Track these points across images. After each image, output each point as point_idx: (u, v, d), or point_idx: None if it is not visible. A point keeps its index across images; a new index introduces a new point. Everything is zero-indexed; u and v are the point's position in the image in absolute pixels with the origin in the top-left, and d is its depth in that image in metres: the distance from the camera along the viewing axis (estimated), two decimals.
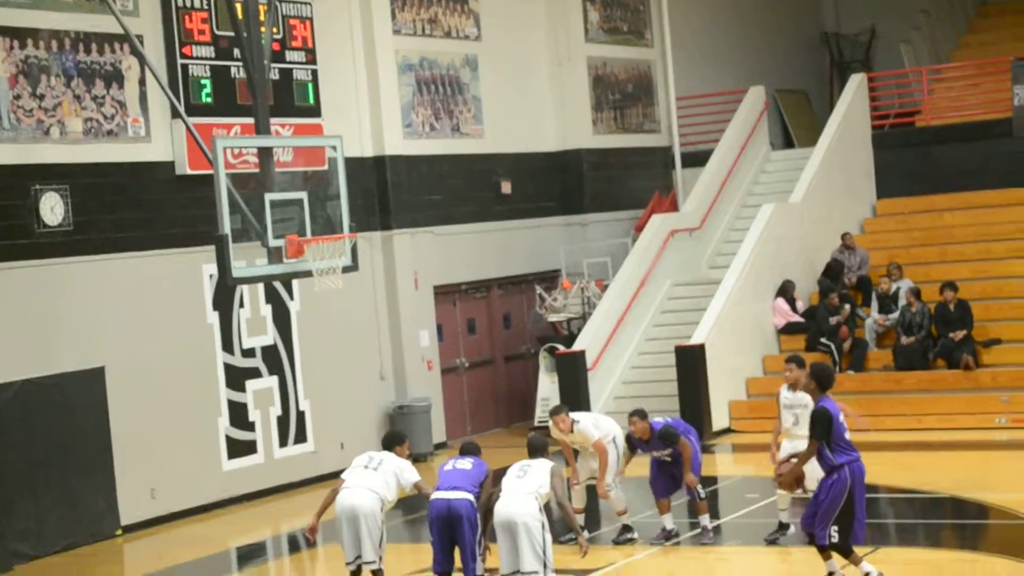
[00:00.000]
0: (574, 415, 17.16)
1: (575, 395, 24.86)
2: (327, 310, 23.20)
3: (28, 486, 19.19)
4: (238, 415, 22.12)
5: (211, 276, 21.35)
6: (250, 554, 19.54)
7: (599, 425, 17.18)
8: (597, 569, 15.95)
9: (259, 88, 18.17)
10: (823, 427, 13.72)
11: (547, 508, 14.04)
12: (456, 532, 14.05)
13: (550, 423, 17.27)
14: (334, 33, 24.14)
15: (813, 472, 15.03)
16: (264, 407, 22.54)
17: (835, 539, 13.76)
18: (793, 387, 16.45)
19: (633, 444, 17.03)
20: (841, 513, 13.70)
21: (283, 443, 22.70)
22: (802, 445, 15.65)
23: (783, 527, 16.57)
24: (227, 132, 21.28)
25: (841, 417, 13.79)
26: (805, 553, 16.44)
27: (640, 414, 16.92)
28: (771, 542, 16.63)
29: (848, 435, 13.81)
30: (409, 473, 14.71)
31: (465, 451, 14.84)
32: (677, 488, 16.98)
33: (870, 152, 29.60)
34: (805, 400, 15.65)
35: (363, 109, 24.76)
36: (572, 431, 16.97)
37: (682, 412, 24.12)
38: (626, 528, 17.30)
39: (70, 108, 20.21)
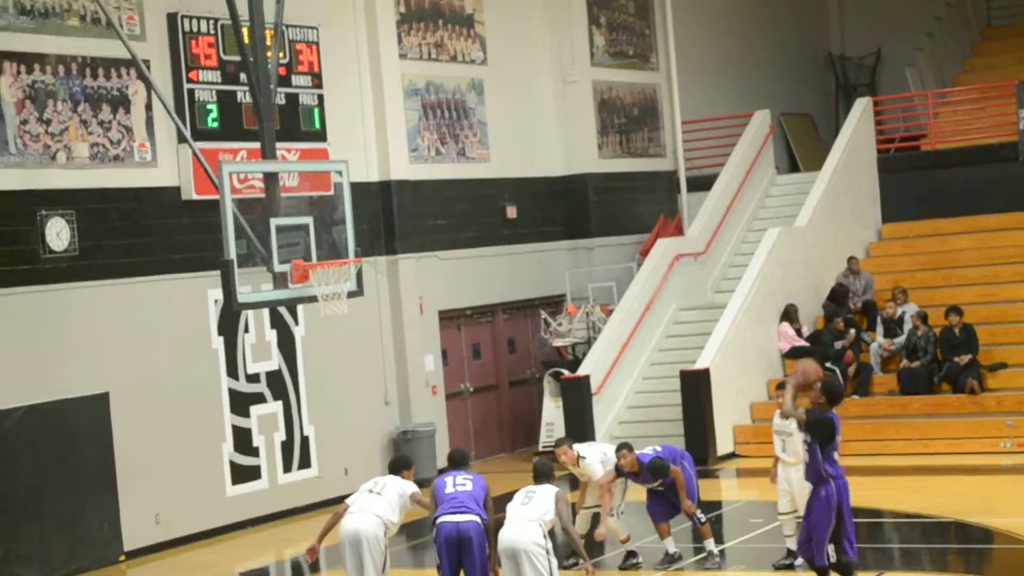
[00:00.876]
0: (581, 448, 17.06)
1: (580, 420, 24.90)
2: (332, 335, 23.22)
3: (32, 511, 19.20)
4: (242, 440, 22.13)
5: (216, 301, 21.39)
6: None
7: (607, 459, 17.07)
8: None
9: (265, 113, 18.21)
10: (825, 432, 13.91)
11: (552, 533, 14.04)
12: (465, 555, 14.03)
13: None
14: (340, 58, 24.20)
15: (803, 491, 15.10)
16: (268, 432, 22.54)
17: (833, 559, 13.78)
18: (784, 414, 16.36)
19: (623, 476, 17.02)
20: (833, 532, 13.76)
21: (287, 468, 22.69)
22: (792, 471, 15.95)
23: (792, 554, 16.49)
24: (233, 157, 21.31)
25: (839, 438, 13.90)
26: None
27: (628, 447, 16.89)
28: (779, 568, 16.57)
29: (838, 455, 14.00)
30: (408, 487, 14.70)
31: (456, 461, 14.84)
32: (676, 513, 16.98)
33: (875, 176, 29.61)
34: (791, 428, 15.76)
35: (369, 134, 24.80)
36: (578, 464, 16.94)
37: (686, 436, 24.18)
38: (631, 554, 17.30)
39: (76, 133, 20.27)
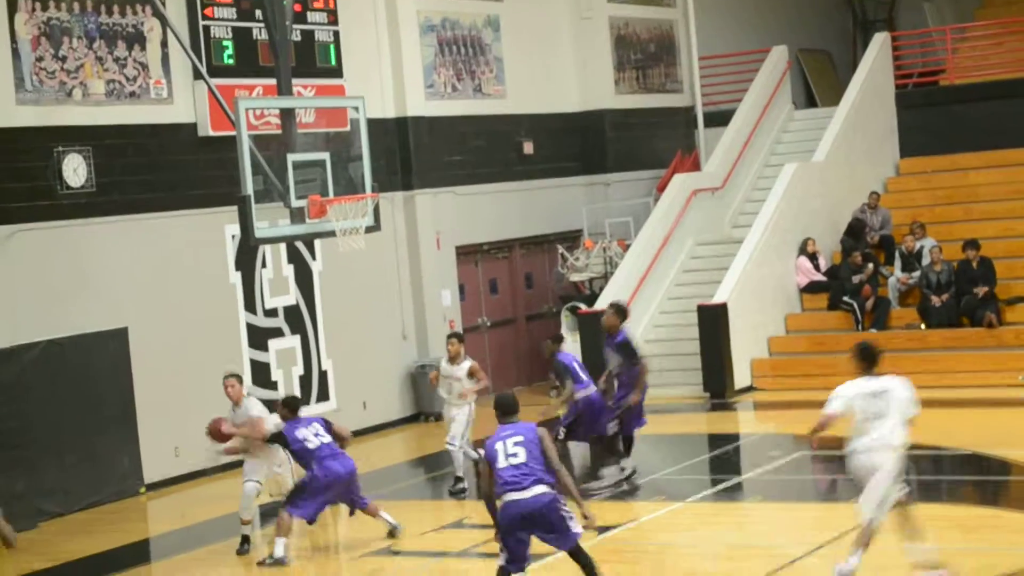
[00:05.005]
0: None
1: (597, 354, 24.92)
2: (349, 270, 23.27)
3: (53, 445, 19.33)
4: (260, 374, 22.22)
5: (234, 237, 21.43)
6: (273, 511, 19.56)
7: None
8: (620, 525, 16.02)
9: (281, 49, 18.19)
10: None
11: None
12: (541, 529, 12.22)
13: None
14: None
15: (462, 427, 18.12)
16: (287, 366, 22.64)
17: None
18: (452, 360, 18.23)
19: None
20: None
21: (306, 402, 22.72)
22: (455, 410, 18.25)
23: (460, 479, 18.23)
24: (249, 93, 21.29)
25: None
26: (824, 509, 16.58)
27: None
28: (455, 493, 18.09)
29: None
30: None
31: (504, 411, 12.61)
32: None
33: (893, 111, 29.50)
34: (460, 373, 18.09)
35: (385, 70, 24.76)
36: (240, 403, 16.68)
37: (704, 370, 24.28)
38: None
39: (92, 70, 20.25)
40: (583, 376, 18.37)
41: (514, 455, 12.09)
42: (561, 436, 17.89)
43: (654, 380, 24.94)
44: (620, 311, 18.28)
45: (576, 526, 12.18)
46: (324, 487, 15.58)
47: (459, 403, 18.31)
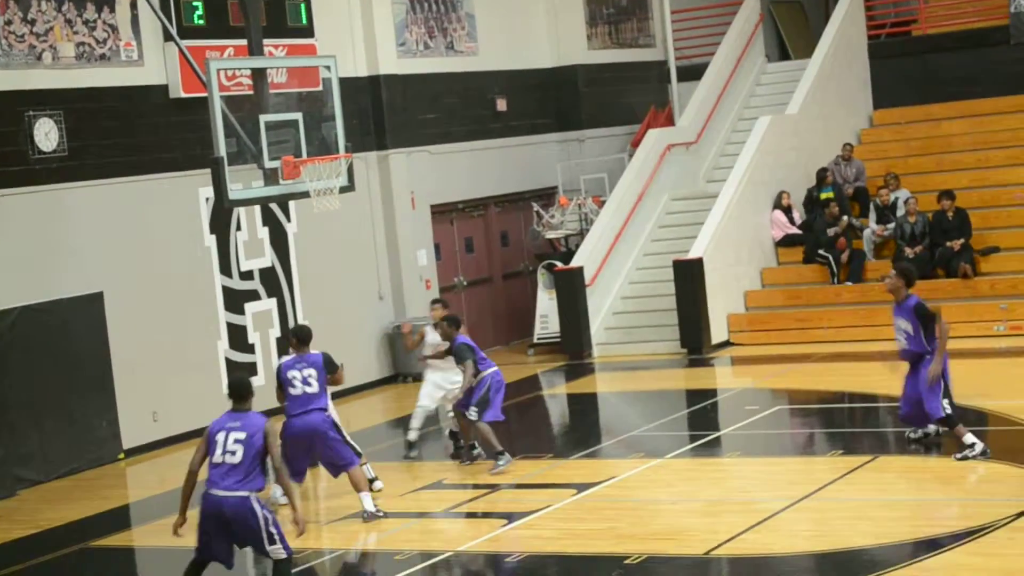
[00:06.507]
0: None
1: (574, 311, 24.98)
2: (324, 231, 23.21)
3: (30, 412, 19.28)
4: (237, 337, 22.18)
5: (207, 199, 21.36)
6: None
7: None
8: (599, 483, 16.05)
9: (252, 9, 18.08)
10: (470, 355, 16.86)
11: None
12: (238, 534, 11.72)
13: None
14: None
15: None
16: (263, 329, 22.59)
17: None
18: (437, 326, 17.82)
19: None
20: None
21: None
22: (450, 376, 17.85)
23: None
24: (220, 54, 21.17)
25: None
26: (802, 463, 16.62)
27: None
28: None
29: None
30: None
31: (237, 396, 11.97)
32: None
33: (866, 62, 29.47)
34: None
35: (356, 28, 24.64)
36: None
37: (680, 326, 24.28)
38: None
39: (62, 33, 20.11)
40: (485, 357, 17.53)
41: (232, 452, 11.45)
42: (475, 416, 16.95)
43: (631, 336, 25.23)
44: (904, 273, 16.13)
45: (277, 552, 11.53)
46: (289, 444, 15.47)
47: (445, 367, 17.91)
